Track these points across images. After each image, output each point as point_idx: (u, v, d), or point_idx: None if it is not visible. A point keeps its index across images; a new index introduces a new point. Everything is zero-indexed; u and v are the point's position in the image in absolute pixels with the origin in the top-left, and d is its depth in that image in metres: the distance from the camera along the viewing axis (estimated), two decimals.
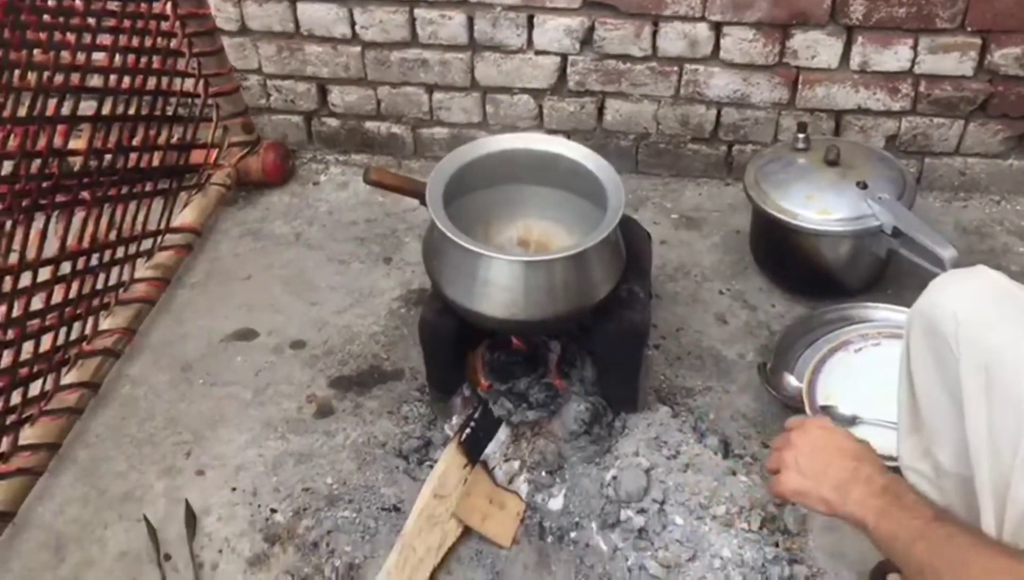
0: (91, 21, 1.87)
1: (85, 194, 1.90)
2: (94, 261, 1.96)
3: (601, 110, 2.39)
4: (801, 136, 2.08)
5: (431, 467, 1.77)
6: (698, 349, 2.03)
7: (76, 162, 1.90)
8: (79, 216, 1.91)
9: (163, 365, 2.06)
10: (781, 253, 2.11)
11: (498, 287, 1.58)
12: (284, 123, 2.58)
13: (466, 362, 1.82)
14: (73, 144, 1.87)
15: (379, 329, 2.12)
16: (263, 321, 2.16)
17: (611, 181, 1.66)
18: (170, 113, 2.20)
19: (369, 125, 2.53)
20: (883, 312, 1.99)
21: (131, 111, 2.04)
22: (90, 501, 1.79)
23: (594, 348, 1.78)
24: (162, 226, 2.22)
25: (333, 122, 2.55)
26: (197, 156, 2.37)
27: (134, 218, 2.10)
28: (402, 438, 1.85)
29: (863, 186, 1.99)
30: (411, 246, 2.34)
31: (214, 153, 2.40)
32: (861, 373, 1.82)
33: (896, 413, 1.29)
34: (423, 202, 1.82)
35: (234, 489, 1.79)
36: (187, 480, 1.81)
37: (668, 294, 2.17)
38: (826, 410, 1.77)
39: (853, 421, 1.74)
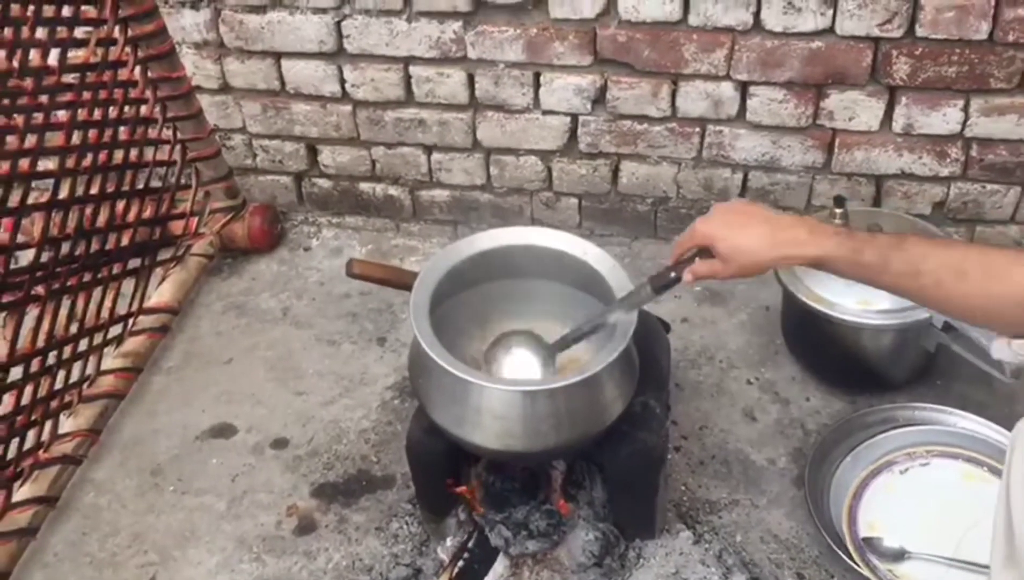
0: (43, 99, 1.68)
1: (39, 289, 1.70)
2: (51, 360, 1.76)
3: (616, 172, 2.18)
4: (839, 211, 1.86)
5: None
6: (723, 452, 1.81)
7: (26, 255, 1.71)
8: (32, 313, 1.72)
9: (131, 468, 1.87)
10: (816, 342, 1.89)
11: (492, 416, 1.37)
12: (272, 184, 2.39)
13: (459, 476, 1.61)
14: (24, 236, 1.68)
15: (369, 425, 1.92)
16: (243, 414, 1.97)
17: (624, 289, 1.45)
18: (142, 186, 2.00)
19: (364, 186, 2.33)
20: (931, 413, 1.76)
21: (94, 190, 1.85)
22: None
23: (605, 470, 1.57)
24: (134, 308, 2.03)
25: (325, 183, 2.36)
26: (175, 227, 2.18)
27: (99, 306, 1.91)
28: (390, 562, 1.66)
29: None
30: (407, 324, 2.13)
31: (194, 222, 2.21)
32: (908, 498, 1.61)
33: (991, 545, 1.11)
34: None
35: None
36: None
37: (690, 384, 1.95)
38: (869, 543, 1.55)
39: (901, 555, 1.53)
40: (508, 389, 1.35)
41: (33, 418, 1.72)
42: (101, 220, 1.89)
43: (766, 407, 1.90)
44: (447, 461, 1.53)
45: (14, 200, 1.66)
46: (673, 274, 1.31)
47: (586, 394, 1.37)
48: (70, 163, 1.79)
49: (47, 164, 1.77)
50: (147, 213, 2.03)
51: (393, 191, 2.32)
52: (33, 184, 1.71)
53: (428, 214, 2.35)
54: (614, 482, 1.55)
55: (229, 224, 2.28)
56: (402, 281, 1.69)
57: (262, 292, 2.27)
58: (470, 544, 1.58)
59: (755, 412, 1.89)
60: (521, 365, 1.47)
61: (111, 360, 1.96)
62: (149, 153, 2.03)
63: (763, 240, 1.16)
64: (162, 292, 2.11)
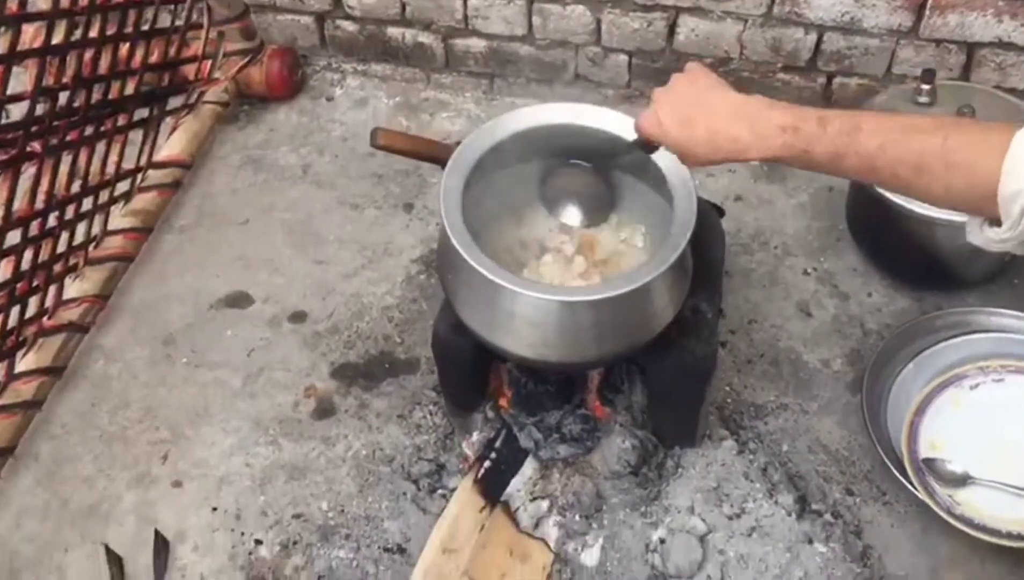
0: None
1: (35, 145, 1.55)
2: (52, 221, 1.63)
3: (673, 28, 1.94)
4: (926, 87, 1.64)
5: (444, 498, 1.49)
6: (773, 350, 1.68)
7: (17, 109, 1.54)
8: (29, 172, 1.57)
9: (142, 336, 1.77)
10: (884, 232, 1.71)
11: (527, 323, 1.23)
12: (292, 25, 2.16)
13: (488, 379, 1.49)
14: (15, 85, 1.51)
15: (393, 301, 1.80)
16: (260, 283, 1.84)
17: (681, 182, 1.27)
18: (147, 27, 1.80)
19: (392, 31, 2.11)
20: (1008, 319, 1.60)
21: (93, 33, 1.65)
22: (51, 513, 1.54)
23: (647, 376, 1.44)
24: (143, 162, 1.88)
25: (350, 26, 2.13)
26: (186, 72, 1.99)
27: (104, 161, 1.76)
28: (412, 454, 1.57)
29: None
30: (437, 189, 1.97)
31: (207, 66, 2.01)
32: (977, 418, 1.47)
33: None
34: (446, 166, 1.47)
35: (215, 509, 1.54)
36: (162, 493, 1.56)
37: (740, 271, 1.79)
38: (929, 464, 1.43)
39: (964, 480, 1.41)
40: (546, 297, 1.19)
41: (35, 284, 1.61)
42: (103, 66, 1.70)
43: (823, 301, 1.75)
44: (476, 358, 1.40)
45: (2, 45, 1.48)
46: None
47: (633, 303, 1.22)
48: (65, 1, 1.59)
49: (38, 2, 1.58)
50: (154, 57, 1.84)
51: (424, 38, 2.10)
52: (24, 26, 1.52)
53: (462, 65, 2.13)
54: (656, 391, 1.43)
55: (245, 68, 2.09)
56: (432, 154, 1.52)
57: (281, 145, 2.10)
58: (497, 443, 1.48)
59: (810, 306, 1.74)
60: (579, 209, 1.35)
61: (119, 219, 1.82)
62: None
63: (704, 143, 1.03)
64: (173, 144, 1.95)
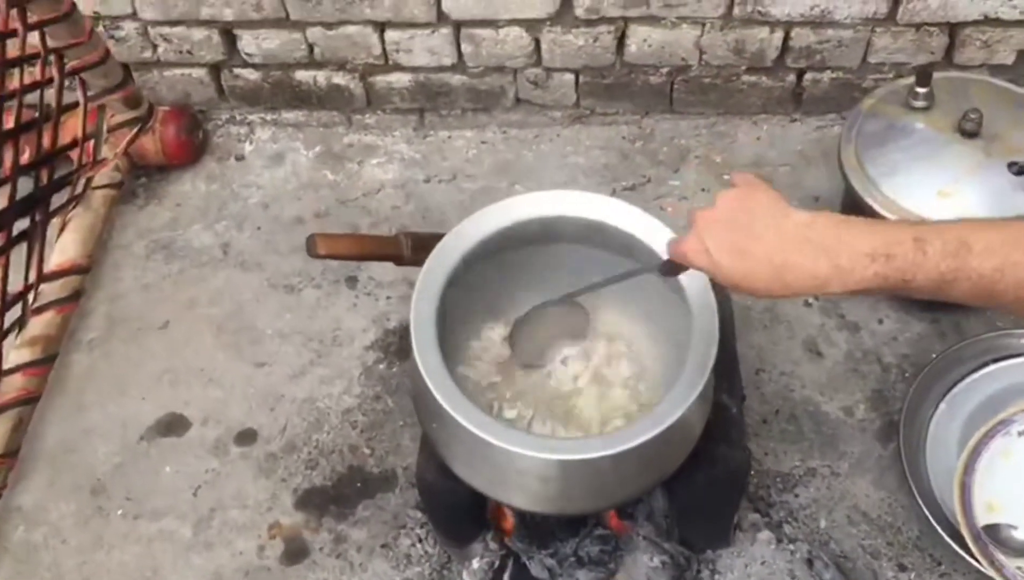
0: None
1: None
2: None
3: (622, 40, 1.71)
4: (922, 91, 1.46)
5: None
6: (788, 404, 1.50)
7: None
8: None
9: (65, 487, 1.51)
10: None
11: (538, 479, 1.03)
12: (183, 80, 1.87)
13: (485, 510, 1.28)
14: None
15: (353, 402, 1.56)
16: (194, 400, 1.59)
17: (699, 294, 1.06)
18: (11, 125, 1.50)
19: (301, 75, 1.84)
20: None
21: None
22: None
23: (671, 490, 1.25)
24: (32, 280, 1.59)
25: (250, 74, 1.85)
26: (67, 160, 1.69)
27: None
28: None
29: (1018, 170, 1.40)
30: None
31: (90, 147, 1.72)
32: None
33: None
34: (400, 262, 1.26)
35: None
36: None
37: (737, 312, 1.58)
38: (991, 532, 1.27)
39: None
40: (547, 458, 0.98)
41: None
42: None
43: (831, 336, 1.57)
44: (471, 499, 1.19)
45: None
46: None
47: (663, 439, 1.02)
48: None
49: None
50: (25, 157, 1.54)
51: (339, 79, 1.83)
52: None
53: (386, 103, 1.87)
54: (684, 505, 1.24)
55: (136, 139, 1.79)
56: (383, 252, 1.28)
57: (192, 223, 1.83)
58: (505, 577, 1.28)
59: (819, 344, 1.57)
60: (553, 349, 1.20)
61: (14, 354, 1.54)
62: (12, 77, 1.51)
63: (768, 279, 0.82)
64: (64, 247, 1.66)
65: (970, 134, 1.43)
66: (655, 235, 1.11)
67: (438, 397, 0.98)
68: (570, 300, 1.17)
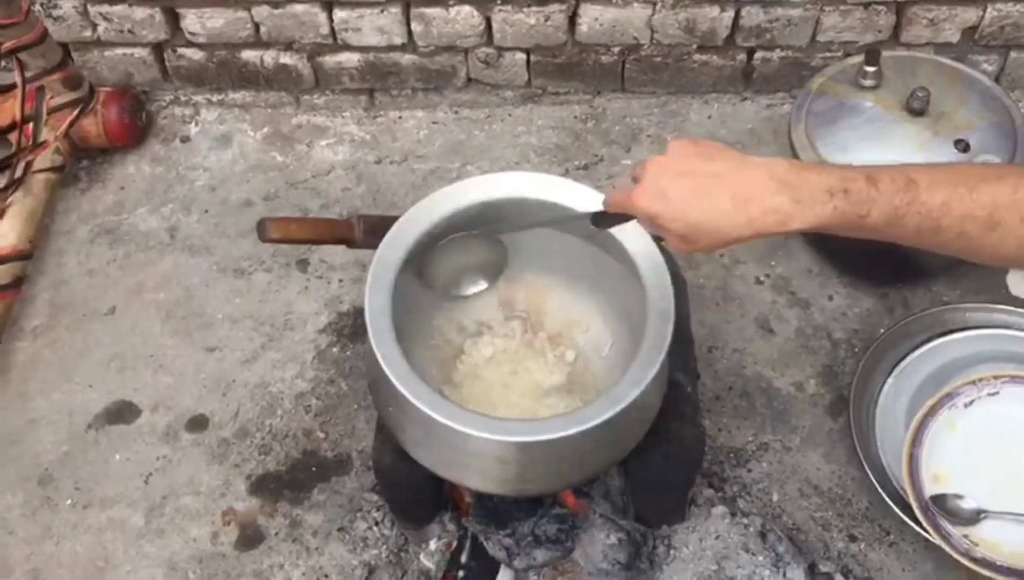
0: None
1: None
2: None
3: (573, 19, 1.71)
4: (870, 69, 1.47)
5: None
6: (741, 380, 1.52)
7: None
8: None
9: (11, 479, 1.47)
10: None
11: (497, 461, 1.03)
12: (125, 60, 1.82)
13: (443, 490, 1.28)
14: None
15: (307, 386, 1.55)
16: (143, 386, 1.56)
17: (645, 254, 1.07)
18: None
19: (248, 55, 1.80)
20: (984, 314, 1.48)
21: None
22: None
23: (627, 468, 1.25)
24: None
25: (195, 54, 1.81)
26: (5, 141, 1.64)
27: None
28: (363, 575, 1.35)
29: (964, 148, 1.42)
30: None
31: (29, 130, 1.67)
32: (978, 440, 1.34)
33: None
34: (353, 245, 1.24)
35: None
36: None
37: (690, 290, 1.61)
38: (939, 502, 1.30)
39: (977, 516, 1.29)
40: (502, 440, 0.98)
41: None
42: None
43: (783, 313, 1.59)
44: (428, 481, 1.18)
45: None
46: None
47: (621, 418, 1.02)
48: None
49: None
50: None
51: (287, 59, 1.80)
52: None
53: (335, 83, 1.84)
54: (639, 482, 1.24)
55: (77, 121, 1.75)
56: (336, 236, 1.26)
57: (137, 206, 1.79)
58: (463, 558, 1.28)
59: (771, 321, 1.58)
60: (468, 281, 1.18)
61: None
62: None
63: (730, 217, 0.82)
64: (5, 233, 1.62)
65: (918, 112, 1.44)
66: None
67: (394, 381, 0.97)
68: (490, 235, 1.14)
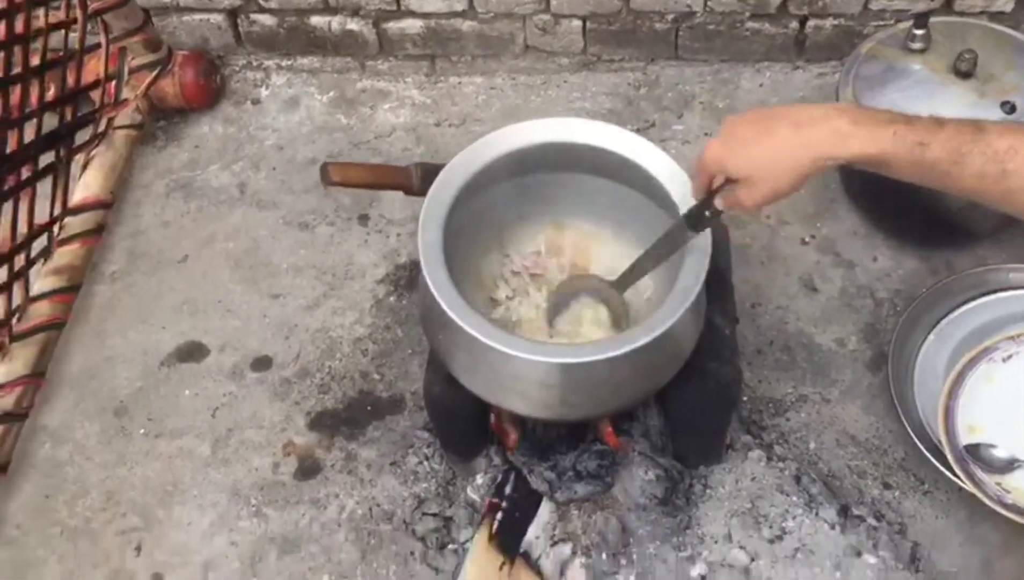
0: None
1: None
2: None
3: None
4: (919, 32, 1.50)
5: (455, 553, 1.36)
6: (783, 335, 1.56)
7: None
8: None
9: (90, 409, 1.58)
10: (882, 188, 1.57)
11: (539, 385, 1.09)
12: (201, 25, 1.93)
13: (489, 423, 1.35)
14: None
15: (364, 331, 1.63)
16: (212, 329, 1.66)
17: (685, 196, 1.12)
18: (37, 61, 1.57)
19: (316, 21, 1.89)
20: None
21: None
22: None
23: (666, 404, 1.31)
24: (57, 212, 1.66)
25: (267, 20, 1.91)
26: (89, 100, 1.75)
27: (13, 221, 1.54)
28: (413, 506, 1.42)
29: (1010, 109, 1.44)
30: (392, 194, 1.78)
31: (112, 88, 1.78)
32: (1015, 393, 1.36)
33: None
34: (410, 192, 1.31)
35: None
36: None
37: (735, 248, 1.64)
38: (973, 451, 1.33)
39: (1011, 465, 1.31)
40: (543, 360, 1.04)
41: None
42: None
43: (827, 273, 1.63)
44: (477, 410, 1.26)
45: None
46: (707, 212, 1.02)
47: (656, 347, 1.07)
48: None
49: None
50: (51, 94, 1.61)
51: (353, 24, 1.89)
52: None
53: (398, 49, 1.92)
54: (678, 419, 1.30)
55: (156, 82, 1.85)
56: (394, 181, 1.34)
57: (210, 164, 1.89)
58: (507, 490, 1.34)
59: (815, 280, 1.62)
60: (587, 322, 1.20)
61: (41, 281, 1.61)
62: (38, 18, 1.58)
63: (788, 143, 0.87)
64: (88, 183, 1.73)
65: (965, 74, 1.46)
66: (651, 160, 1.16)
67: (444, 306, 1.04)
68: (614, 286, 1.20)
